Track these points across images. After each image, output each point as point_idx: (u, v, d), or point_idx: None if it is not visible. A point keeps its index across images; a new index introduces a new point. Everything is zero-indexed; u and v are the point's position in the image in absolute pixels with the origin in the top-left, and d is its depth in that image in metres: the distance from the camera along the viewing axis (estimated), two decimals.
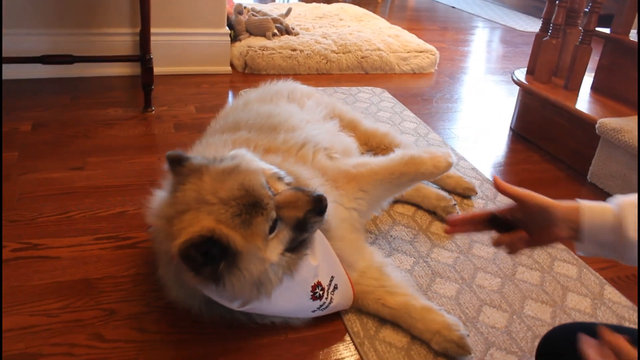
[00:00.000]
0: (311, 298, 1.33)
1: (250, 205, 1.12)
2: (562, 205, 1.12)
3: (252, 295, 1.19)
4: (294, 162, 1.49)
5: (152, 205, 1.27)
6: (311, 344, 1.37)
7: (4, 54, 2.56)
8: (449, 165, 1.64)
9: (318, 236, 1.33)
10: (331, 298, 1.37)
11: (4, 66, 2.73)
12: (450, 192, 2.02)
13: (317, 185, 1.45)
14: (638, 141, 2.05)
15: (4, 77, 2.79)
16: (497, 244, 1.19)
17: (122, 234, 1.71)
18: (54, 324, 1.36)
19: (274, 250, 1.17)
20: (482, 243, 1.81)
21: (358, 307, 1.46)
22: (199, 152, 1.55)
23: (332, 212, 1.42)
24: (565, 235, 1.11)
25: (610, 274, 1.73)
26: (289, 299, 1.30)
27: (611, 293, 1.64)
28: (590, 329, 1.18)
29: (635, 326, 1.50)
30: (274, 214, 1.15)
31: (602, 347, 0.95)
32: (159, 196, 1.25)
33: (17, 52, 2.59)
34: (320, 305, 1.36)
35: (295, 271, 1.24)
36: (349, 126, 2.07)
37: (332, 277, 1.37)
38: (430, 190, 1.97)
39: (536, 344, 1.24)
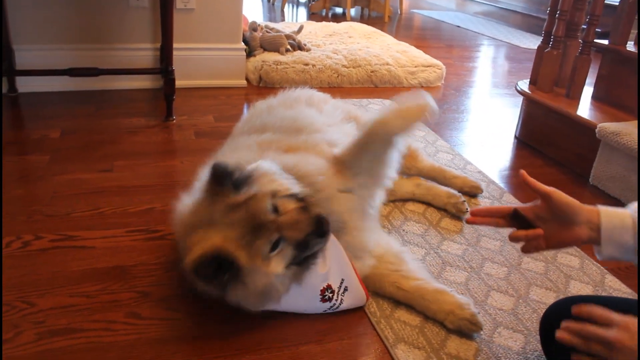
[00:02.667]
0: (320, 300, 1.43)
1: (253, 227, 1.26)
2: (584, 206, 1.18)
3: (259, 302, 1.34)
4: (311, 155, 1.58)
5: (177, 208, 1.40)
6: (332, 322, 1.47)
7: (32, 68, 2.71)
8: (419, 112, 1.49)
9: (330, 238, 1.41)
10: (341, 299, 1.46)
11: (33, 79, 2.89)
12: (458, 191, 2.13)
13: (327, 175, 1.50)
14: (638, 144, 2.16)
15: (33, 90, 2.96)
16: (514, 239, 1.26)
17: (151, 227, 1.83)
18: (93, 304, 1.47)
19: (277, 265, 1.28)
20: (490, 237, 1.91)
21: (375, 290, 1.56)
22: (226, 153, 1.68)
23: (343, 204, 1.50)
24: (585, 236, 1.17)
25: (611, 265, 1.83)
26: (297, 302, 1.42)
27: (612, 281, 1.74)
28: (588, 301, 1.28)
29: None
30: (275, 236, 1.27)
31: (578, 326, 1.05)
32: (185, 202, 1.40)
33: (46, 65, 2.74)
34: (331, 306, 1.46)
35: (302, 280, 1.36)
36: None
37: (343, 279, 1.46)
38: (440, 189, 2.08)
39: None
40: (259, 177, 1.33)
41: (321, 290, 1.42)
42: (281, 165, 1.44)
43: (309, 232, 1.29)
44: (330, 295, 1.44)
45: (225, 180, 1.28)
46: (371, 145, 1.54)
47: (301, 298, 1.41)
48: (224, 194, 1.29)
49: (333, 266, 1.43)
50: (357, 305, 1.51)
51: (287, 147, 1.63)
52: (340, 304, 1.46)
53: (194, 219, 1.32)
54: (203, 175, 1.41)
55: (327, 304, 1.45)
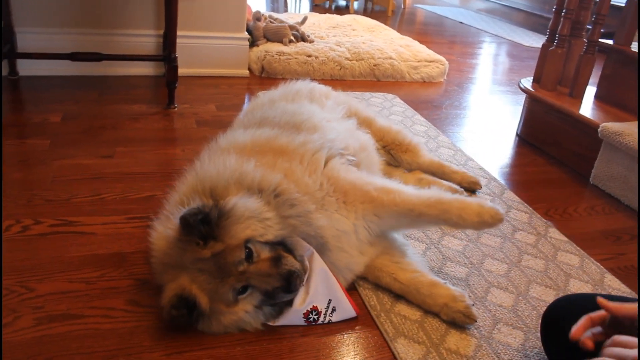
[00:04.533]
0: (305, 322, 1.42)
1: (220, 275, 1.29)
2: None
3: (233, 331, 1.37)
4: (302, 172, 1.52)
5: (154, 240, 1.39)
6: None
7: (35, 51, 2.69)
8: (482, 223, 1.47)
9: (316, 259, 1.40)
10: (329, 319, 1.44)
11: (35, 62, 2.87)
12: (458, 186, 2.13)
13: (318, 198, 1.48)
14: (639, 144, 2.16)
15: (35, 73, 2.94)
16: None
17: (152, 214, 1.79)
18: (92, 290, 1.46)
19: (245, 305, 1.33)
20: (490, 233, 1.91)
21: (373, 280, 1.56)
22: (213, 157, 1.61)
23: (330, 222, 1.47)
24: None
25: (610, 265, 1.83)
26: (281, 322, 1.40)
27: (611, 280, 1.74)
28: (589, 300, 1.29)
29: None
30: (240, 285, 1.30)
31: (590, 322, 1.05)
32: (160, 233, 1.38)
33: (48, 49, 2.73)
34: (318, 323, 1.44)
35: (278, 316, 1.39)
36: (364, 123, 2.16)
37: (330, 299, 1.43)
38: (442, 183, 2.08)
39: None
40: (235, 220, 1.32)
41: (304, 314, 1.41)
42: (266, 179, 1.43)
43: (277, 286, 1.31)
44: (316, 317, 1.42)
45: (194, 232, 1.29)
46: (415, 218, 1.52)
47: (285, 320, 1.40)
48: (193, 244, 1.30)
49: (319, 287, 1.41)
50: (348, 317, 1.47)
51: (280, 149, 1.59)
52: (328, 322, 1.44)
53: (167, 259, 1.34)
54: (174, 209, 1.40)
55: (313, 324, 1.43)
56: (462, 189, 2.09)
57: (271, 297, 1.33)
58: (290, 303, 1.38)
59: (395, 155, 2.18)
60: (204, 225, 1.28)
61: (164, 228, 1.37)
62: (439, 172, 2.19)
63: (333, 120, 1.91)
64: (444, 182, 2.10)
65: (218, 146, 1.66)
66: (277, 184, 1.42)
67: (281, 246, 1.36)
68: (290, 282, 1.31)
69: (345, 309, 1.44)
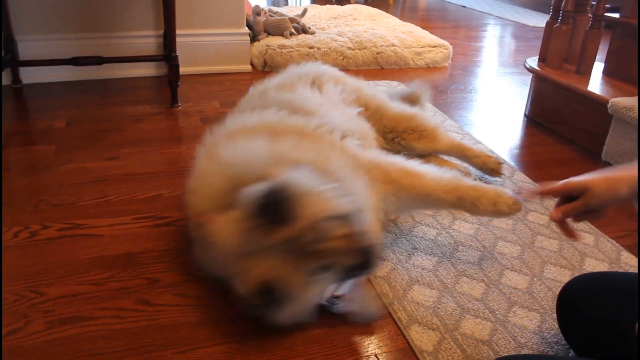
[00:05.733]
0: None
1: (295, 257, 1.21)
2: (616, 176, 1.11)
3: (292, 318, 1.29)
4: (328, 150, 1.50)
5: (216, 232, 1.30)
6: None
7: (36, 59, 2.69)
8: (497, 212, 1.52)
9: None
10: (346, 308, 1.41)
11: (38, 69, 2.87)
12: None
13: (348, 172, 1.45)
14: (638, 122, 2.12)
15: (37, 81, 2.94)
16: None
17: (159, 214, 1.81)
18: (102, 292, 1.45)
19: (316, 288, 1.27)
20: None
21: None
22: (229, 131, 1.63)
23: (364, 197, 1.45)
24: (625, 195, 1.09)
25: (626, 242, 1.80)
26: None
27: (627, 258, 1.71)
28: (605, 278, 1.26)
29: None
30: (316, 265, 1.23)
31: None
32: (224, 224, 1.29)
33: (49, 55, 2.73)
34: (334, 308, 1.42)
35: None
36: (377, 112, 2.07)
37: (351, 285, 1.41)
38: (457, 166, 2.05)
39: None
40: (303, 198, 1.24)
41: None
42: (304, 157, 1.39)
43: (355, 264, 1.25)
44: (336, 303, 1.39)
45: (264, 216, 1.22)
46: (431, 202, 1.55)
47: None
48: (262, 230, 1.22)
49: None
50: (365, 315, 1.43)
51: (297, 129, 1.56)
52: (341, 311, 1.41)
53: (235, 249, 1.26)
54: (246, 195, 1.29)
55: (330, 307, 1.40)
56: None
57: (348, 276, 1.29)
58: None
59: (408, 145, 2.07)
60: (272, 208, 1.21)
61: (226, 218, 1.29)
62: (459, 156, 2.12)
63: (330, 106, 1.87)
64: (460, 164, 2.06)
65: (225, 132, 1.62)
66: (315, 162, 1.39)
67: (347, 221, 1.29)
68: (369, 258, 1.26)
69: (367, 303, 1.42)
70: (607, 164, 2.35)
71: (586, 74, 2.70)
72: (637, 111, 2.18)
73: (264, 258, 1.23)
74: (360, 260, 1.25)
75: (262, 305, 1.24)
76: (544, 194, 1.23)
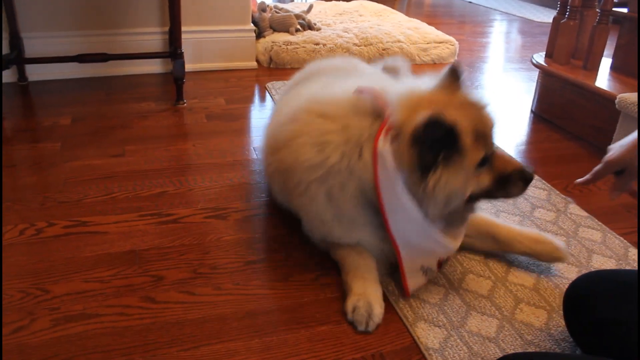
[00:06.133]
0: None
1: (479, 129, 1.27)
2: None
3: (442, 204, 1.28)
4: None
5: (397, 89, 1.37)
6: None
7: (42, 56, 2.70)
8: (559, 255, 1.57)
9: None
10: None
11: (43, 66, 2.87)
12: None
13: None
14: (638, 118, 2.10)
15: (43, 78, 2.95)
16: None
17: (164, 211, 1.81)
18: (107, 289, 1.45)
19: (483, 179, 1.32)
20: (508, 212, 1.87)
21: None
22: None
23: None
24: None
25: (634, 238, 1.78)
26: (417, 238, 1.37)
27: (635, 254, 1.69)
28: (613, 275, 1.25)
29: None
30: (489, 151, 1.30)
31: None
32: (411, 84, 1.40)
33: (55, 52, 2.73)
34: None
35: (456, 222, 1.39)
36: None
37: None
38: None
39: None
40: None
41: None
42: None
43: (517, 170, 1.33)
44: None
45: (459, 77, 1.34)
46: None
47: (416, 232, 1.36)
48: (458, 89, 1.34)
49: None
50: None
51: None
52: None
53: (428, 100, 1.30)
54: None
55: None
56: None
57: (502, 183, 1.33)
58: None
59: None
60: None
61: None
62: None
63: None
64: None
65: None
66: None
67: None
68: (530, 172, 1.34)
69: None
70: None
71: (593, 69, 2.68)
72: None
73: (452, 110, 1.26)
74: (522, 170, 1.34)
75: (434, 139, 1.21)
76: (591, 182, 1.29)
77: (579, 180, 1.31)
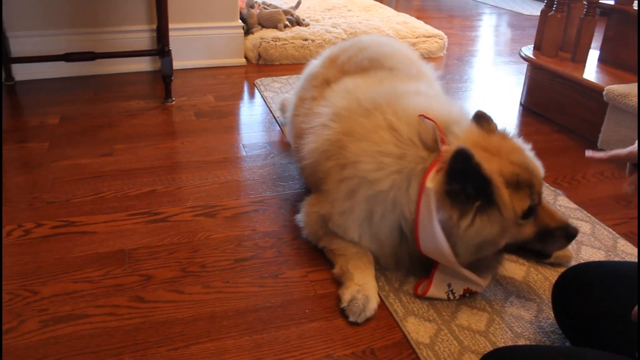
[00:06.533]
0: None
1: (527, 182, 1.26)
2: None
3: (473, 251, 1.29)
4: None
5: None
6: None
7: (28, 55, 2.67)
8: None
9: None
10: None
11: (30, 65, 2.85)
12: None
13: None
14: (638, 113, 2.11)
15: (30, 77, 2.92)
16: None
17: (153, 209, 1.80)
18: (96, 289, 1.45)
19: (527, 230, 1.29)
20: None
21: None
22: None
23: None
24: None
25: (623, 229, 1.79)
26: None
27: (624, 245, 1.70)
28: (600, 267, 1.26)
29: None
30: (533, 202, 1.27)
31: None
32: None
33: (42, 51, 2.70)
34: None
35: (489, 269, 1.40)
36: None
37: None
38: None
39: None
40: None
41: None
42: None
43: (561, 226, 1.30)
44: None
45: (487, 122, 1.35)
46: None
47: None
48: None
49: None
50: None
51: None
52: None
53: (483, 146, 1.31)
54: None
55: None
56: None
57: (543, 237, 1.31)
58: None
59: None
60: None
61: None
62: None
63: None
64: None
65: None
66: None
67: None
68: (574, 232, 1.33)
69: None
70: (603, 152, 2.33)
71: (581, 61, 2.68)
72: (632, 98, 2.17)
73: (495, 160, 1.27)
74: (566, 227, 1.32)
75: (467, 174, 1.22)
76: (611, 160, 1.25)
77: (592, 153, 1.29)
